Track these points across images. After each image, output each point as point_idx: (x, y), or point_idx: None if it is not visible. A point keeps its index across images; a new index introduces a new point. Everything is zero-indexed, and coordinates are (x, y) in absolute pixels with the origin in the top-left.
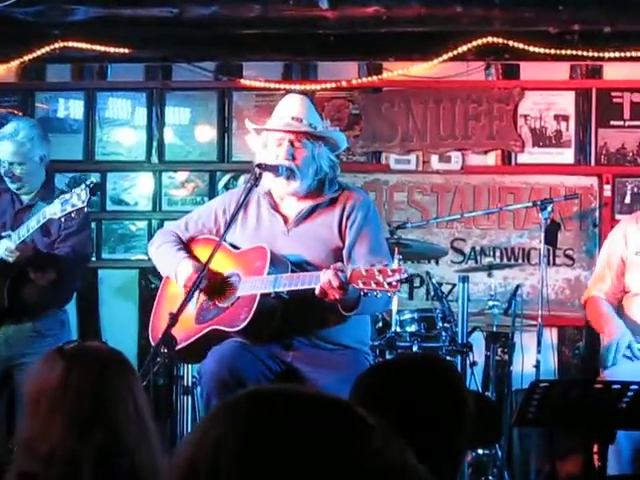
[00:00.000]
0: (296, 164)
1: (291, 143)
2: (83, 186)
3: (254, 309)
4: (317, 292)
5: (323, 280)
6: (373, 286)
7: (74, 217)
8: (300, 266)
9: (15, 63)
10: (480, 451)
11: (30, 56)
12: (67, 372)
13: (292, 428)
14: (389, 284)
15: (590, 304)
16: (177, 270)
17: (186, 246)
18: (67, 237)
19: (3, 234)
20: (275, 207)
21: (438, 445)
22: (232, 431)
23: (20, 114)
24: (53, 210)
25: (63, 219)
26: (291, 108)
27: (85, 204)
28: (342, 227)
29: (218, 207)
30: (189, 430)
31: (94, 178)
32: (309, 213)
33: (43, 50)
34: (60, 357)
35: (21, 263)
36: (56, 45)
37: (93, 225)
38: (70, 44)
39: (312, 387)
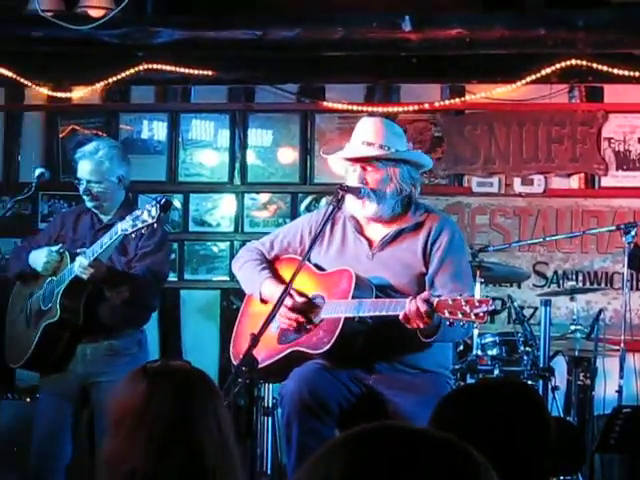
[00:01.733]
0: (370, 188)
1: (363, 168)
2: (154, 202)
3: (338, 332)
4: (401, 317)
5: (410, 308)
6: (459, 316)
7: (150, 236)
8: (383, 290)
9: (100, 85)
10: (561, 477)
11: (115, 78)
12: (150, 391)
13: (394, 467)
14: (476, 315)
15: None
16: (261, 289)
17: (270, 264)
18: (144, 256)
19: (78, 251)
20: (360, 230)
21: (521, 472)
22: (335, 470)
23: (104, 135)
24: (124, 226)
25: (137, 236)
26: (363, 133)
27: (155, 220)
28: (426, 253)
29: (304, 227)
30: (269, 451)
31: (177, 200)
32: (394, 237)
33: (127, 72)
34: (144, 376)
35: (95, 281)
36: (140, 67)
37: (175, 246)
38: (154, 66)
39: (393, 410)
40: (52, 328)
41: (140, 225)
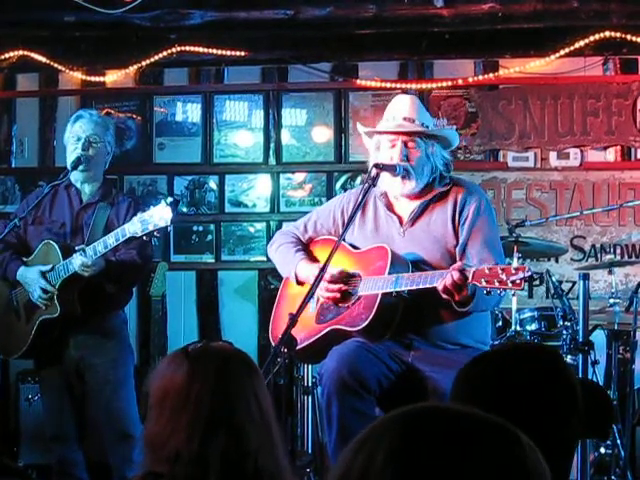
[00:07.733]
0: (411, 164)
1: (404, 144)
2: (163, 204)
3: (375, 309)
4: (440, 288)
5: (447, 279)
6: (496, 285)
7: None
8: (417, 267)
9: (133, 68)
10: (602, 450)
11: (148, 61)
12: (192, 373)
13: (442, 448)
14: (513, 282)
15: None
16: (296, 272)
17: (305, 247)
18: (130, 240)
19: (77, 248)
20: (390, 208)
21: (548, 434)
22: (381, 451)
23: (139, 119)
24: (133, 229)
25: (123, 220)
26: (402, 109)
27: (169, 224)
28: (456, 223)
29: (337, 207)
30: (310, 430)
31: (213, 181)
32: (422, 211)
33: (160, 55)
34: (185, 358)
35: (95, 276)
36: (173, 49)
37: (212, 227)
38: (187, 48)
39: (433, 387)
40: (50, 321)
41: (151, 229)
